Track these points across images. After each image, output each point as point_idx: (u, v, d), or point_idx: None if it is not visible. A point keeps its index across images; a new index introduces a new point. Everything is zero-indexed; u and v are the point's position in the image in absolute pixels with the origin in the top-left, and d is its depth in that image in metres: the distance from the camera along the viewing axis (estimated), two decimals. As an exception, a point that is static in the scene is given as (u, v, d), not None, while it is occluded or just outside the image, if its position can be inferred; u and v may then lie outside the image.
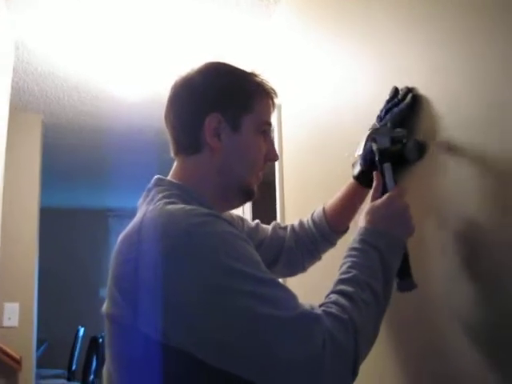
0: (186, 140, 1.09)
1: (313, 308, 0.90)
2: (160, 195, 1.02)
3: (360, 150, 1.27)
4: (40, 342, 4.80)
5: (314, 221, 1.42)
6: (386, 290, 0.99)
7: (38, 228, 3.86)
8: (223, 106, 1.08)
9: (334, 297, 0.93)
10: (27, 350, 3.54)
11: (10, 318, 3.53)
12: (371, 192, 1.19)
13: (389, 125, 1.25)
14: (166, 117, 1.14)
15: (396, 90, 1.29)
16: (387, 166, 1.19)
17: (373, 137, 1.24)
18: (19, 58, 2.92)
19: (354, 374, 0.88)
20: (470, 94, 1.07)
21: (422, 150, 1.19)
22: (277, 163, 2.31)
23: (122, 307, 0.94)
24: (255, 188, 1.13)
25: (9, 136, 2.65)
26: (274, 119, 2.35)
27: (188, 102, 1.10)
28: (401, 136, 1.22)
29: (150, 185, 1.09)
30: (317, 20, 2.00)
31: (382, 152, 1.21)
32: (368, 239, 1.03)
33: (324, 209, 1.41)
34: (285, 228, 1.45)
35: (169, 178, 1.11)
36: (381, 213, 1.08)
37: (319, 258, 1.45)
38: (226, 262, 0.88)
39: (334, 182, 1.67)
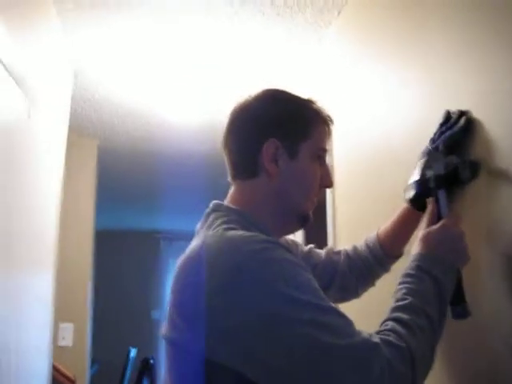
0: (244, 164, 1.11)
1: (371, 336, 0.89)
2: (219, 221, 1.03)
3: (416, 177, 1.26)
4: (92, 363, 4.88)
5: (367, 245, 1.41)
6: (441, 316, 0.99)
7: (93, 249, 3.96)
8: (281, 132, 1.09)
9: (390, 324, 0.93)
10: (81, 370, 3.61)
11: (64, 338, 3.61)
12: (425, 218, 1.20)
13: (441, 147, 1.25)
14: (224, 142, 1.16)
15: (448, 114, 1.28)
16: (442, 193, 1.20)
17: (429, 163, 1.24)
18: (77, 85, 3.02)
19: None
20: None
21: (475, 169, 1.18)
22: (328, 190, 2.30)
23: (183, 331, 0.95)
24: (311, 213, 1.14)
25: (66, 160, 2.74)
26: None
27: (247, 128, 1.12)
28: (455, 163, 1.21)
29: (208, 209, 1.11)
30: (367, 44, 2.01)
31: (437, 178, 1.21)
32: (423, 265, 1.03)
33: (377, 234, 1.41)
34: (338, 253, 1.45)
35: (226, 202, 1.13)
36: (436, 239, 1.08)
37: (373, 284, 1.44)
38: (286, 290, 0.89)
39: (386, 206, 1.65)
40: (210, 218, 1.07)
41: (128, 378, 6.24)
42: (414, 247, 1.10)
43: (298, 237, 3.10)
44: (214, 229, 1.01)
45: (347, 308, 1.83)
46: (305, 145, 1.10)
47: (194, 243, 1.02)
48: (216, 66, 2.85)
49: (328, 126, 1.17)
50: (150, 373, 5.64)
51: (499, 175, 1.13)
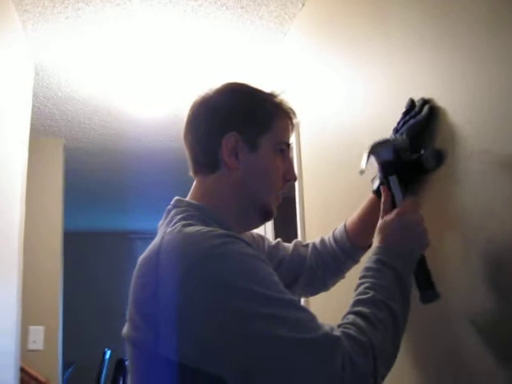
0: (204, 159, 1.10)
1: (332, 329, 0.88)
2: (178, 217, 1.02)
3: (363, 164, 1.23)
4: (67, 365, 4.82)
5: (335, 238, 1.39)
6: (405, 308, 0.99)
7: (62, 251, 3.89)
8: (241, 125, 1.08)
9: (351, 317, 0.93)
10: (53, 373, 3.56)
11: (35, 342, 3.55)
12: (381, 207, 1.18)
13: (405, 136, 1.24)
14: (185, 136, 1.14)
15: (412, 102, 1.27)
16: (393, 179, 1.18)
17: (374, 150, 1.22)
18: (39, 83, 2.96)
19: None
20: (487, 102, 1.06)
21: (439, 158, 1.18)
22: (297, 182, 2.29)
23: (143, 331, 0.93)
24: (274, 208, 1.13)
25: (31, 161, 2.68)
26: (292, 137, 2.33)
27: (206, 121, 1.10)
28: (402, 145, 1.21)
29: (169, 206, 1.10)
30: (330, 36, 2.00)
31: (385, 165, 1.20)
32: (383, 258, 1.03)
33: (345, 225, 1.39)
34: (306, 246, 1.43)
35: (188, 198, 1.11)
36: (392, 229, 1.08)
37: (342, 277, 1.42)
38: (245, 284, 0.88)
39: (354, 197, 1.64)
40: (171, 215, 1.05)
41: (104, 380, 6.18)
42: (374, 238, 1.10)
43: (268, 230, 3.10)
44: (173, 225, 0.99)
45: (316, 300, 1.83)
46: (266, 138, 1.09)
47: (154, 241, 1.01)
48: (182, 60, 2.81)
49: (290, 119, 1.15)
50: (125, 374, 5.59)
51: (463, 162, 1.13)
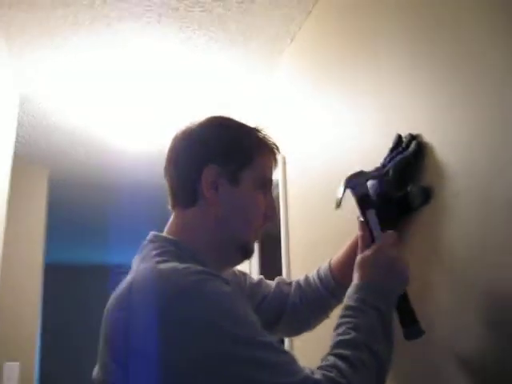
0: (183, 192, 1.07)
1: (312, 373, 0.85)
2: (153, 252, 0.98)
3: (339, 198, 1.21)
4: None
5: (319, 276, 1.35)
6: (388, 348, 0.97)
7: (42, 284, 3.79)
8: (222, 158, 1.06)
9: (331, 359, 0.90)
10: (27, 413, 3.42)
11: (9, 379, 3.42)
12: (358, 242, 1.17)
13: (391, 173, 1.22)
14: (166, 168, 1.12)
15: (399, 138, 1.26)
16: (370, 213, 1.16)
17: (349, 183, 1.20)
18: (25, 112, 2.93)
19: None
20: (475, 141, 1.05)
21: (426, 195, 1.16)
22: (282, 216, 2.26)
23: (113, 370, 0.89)
24: (253, 246, 1.11)
25: (14, 189, 2.64)
26: (278, 171, 2.30)
27: (186, 154, 1.09)
28: (377, 175, 1.21)
29: (145, 241, 1.06)
30: (318, 71, 1.99)
31: (361, 198, 1.18)
32: (364, 297, 1.00)
33: (330, 263, 1.35)
34: (289, 284, 1.39)
35: (164, 232, 1.08)
36: (372, 265, 1.06)
37: (327, 316, 1.37)
38: (222, 325, 0.84)
39: (341, 235, 1.60)
40: (145, 250, 1.01)
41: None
42: (353, 275, 1.08)
43: (253, 268, 3.04)
44: (147, 262, 0.96)
45: (301, 339, 1.77)
46: (247, 172, 1.06)
47: (127, 277, 0.97)
48: (169, 92, 2.80)
49: (273, 154, 1.13)
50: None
51: (450, 200, 1.10)
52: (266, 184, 1.11)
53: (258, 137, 1.11)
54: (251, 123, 1.17)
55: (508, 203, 0.94)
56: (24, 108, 2.87)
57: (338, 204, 1.20)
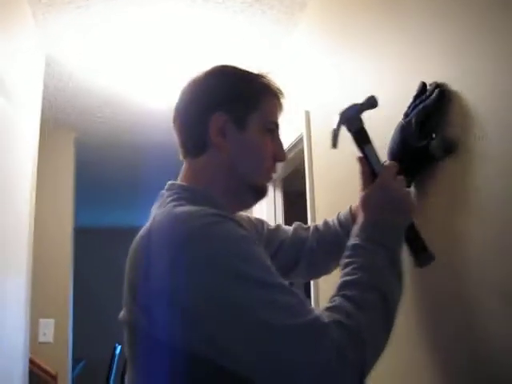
0: (193, 141, 1.11)
1: (321, 315, 0.87)
2: (169, 199, 1.02)
3: (334, 131, 1.18)
4: (77, 360, 4.82)
5: (339, 220, 1.37)
6: (397, 287, 0.97)
7: (73, 245, 3.89)
8: (228, 105, 1.08)
9: (338, 301, 0.91)
10: (62, 367, 3.56)
11: (45, 334, 3.55)
12: (360, 179, 1.16)
13: (413, 121, 1.20)
14: (174, 120, 1.16)
15: (424, 86, 1.24)
16: (368, 148, 1.14)
17: (343, 119, 1.17)
18: (50, 75, 2.95)
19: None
20: (501, 89, 1.02)
21: (449, 146, 1.14)
22: (307, 170, 2.27)
23: (136, 313, 0.93)
24: (265, 187, 1.14)
25: (41, 154, 2.67)
26: (302, 126, 2.31)
27: (193, 103, 1.12)
28: (369, 104, 1.18)
29: (162, 190, 1.10)
30: (342, 23, 1.97)
31: (358, 134, 1.16)
32: (370, 235, 1.01)
33: (351, 208, 1.36)
34: (307, 229, 1.41)
35: (179, 181, 1.11)
36: (376, 201, 1.06)
37: None
38: (235, 265, 0.87)
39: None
40: (163, 198, 1.05)
41: (114, 375, 6.18)
42: (358, 213, 1.08)
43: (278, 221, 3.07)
44: (164, 207, 0.99)
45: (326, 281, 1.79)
46: (253, 116, 1.09)
47: (146, 224, 1.01)
48: (192, 50, 2.79)
49: (278, 99, 1.15)
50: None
51: (476, 145, 1.09)
52: (273, 127, 1.13)
53: (262, 82, 1.13)
54: (256, 70, 1.17)
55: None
56: (49, 70, 2.89)
57: (334, 143, 1.18)
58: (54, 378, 3.31)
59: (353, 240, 1.02)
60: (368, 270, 0.95)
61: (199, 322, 0.86)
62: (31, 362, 2.75)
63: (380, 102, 1.59)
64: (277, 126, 1.14)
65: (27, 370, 2.44)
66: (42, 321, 3.53)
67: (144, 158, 4.39)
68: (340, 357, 0.82)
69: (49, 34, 2.56)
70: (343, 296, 0.91)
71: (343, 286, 0.94)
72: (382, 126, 1.54)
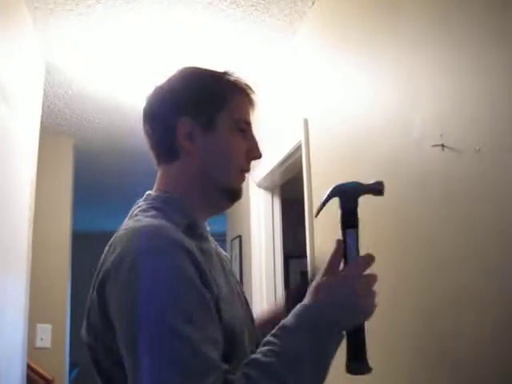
0: (163, 148, 1.09)
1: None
2: (138, 210, 1.04)
3: (322, 200, 1.07)
4: (74, 365, 4.81)
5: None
6: (313, 381, 0.88)
7: (70, 250, 3.89)
8: (194, 108, 1.06)
9: (238, 376, 0.85)
10: (59, 372, 3.56)
11: (42, 339, 3.55)
12: (327, 261, 0.97)
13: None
14: (143, 127, 1.13)
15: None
16: (351, 233, 0.99)
17: (339, 192, 1.04)
18: (50, 81, 2.97)
19: None
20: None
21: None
22: (305, 177, 2.28)
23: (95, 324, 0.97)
24: (240, 187, 1.11)
25: (40, 160, 2.68)
26: (301, 133, 2.33)
27: (159, 110, 1.10)
28: (373, 190, 1.04)
29: (139, 200, 1.10)
30: (342, 33, 1.99)
31: (347, 213, 1.01)
32: (307, 319, 0.90)
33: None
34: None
35: (153, 190, 1.11)
36: (328, 290, 0.92)
37: None
38: (162, 305, 0.85)
39: (364, 196, 1.63)
40: (134, 208, 1.06)
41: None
42: (305, 297, 0.95)
43: (276, 229, 3.08)
44: (132, 218, 1.01)
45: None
46: (221, 115, 1.06)
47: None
48: (191, 57, 2.81)
49: (247, 95, 1.11)
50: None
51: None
52: (244, 124, 1.10)
53: (228, 80, 1.11)
54: (223, 68, 1.14)
55: None
56: (49, 77, 2.91)
57: (318, 212, 1.08)
58: (51, 383, 3.31)
59: (286, 319, 0.92)
60: (283, 357, 0.86)
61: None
62: (28, 366, 2.75)
63: (378, 108, 1.62)
64: (248, 123, 1.11)
65: (25, 374, 2.44)
66: (39, 326, 3.53)
67: (142, 164, 4.38)
68: None
69: (49, 40, 2.58)
70: (244, 374, 0.85)
71: (251, 364, 0.86)
72: (385, 140, 1.56)
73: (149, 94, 1.12)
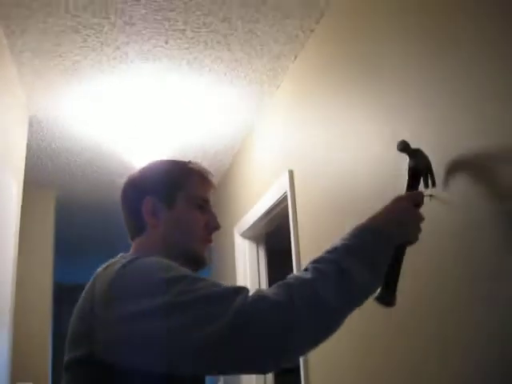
0: (134, 223, 1.27)
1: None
2: (123, 260, 1.12)
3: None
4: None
5: None
6: (368, 271, 0.98)
7: (52, 304, 3.82)
8: (156, 189, 1.25)
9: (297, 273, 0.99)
10: (40, 434, 3.43)
11: (22, 399, 3.43)
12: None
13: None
14: (121, 208, 1.31)
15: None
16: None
17: (415, 156, 1.24)
18: (33, 135, 2.98)
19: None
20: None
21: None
22: (292, 229, 2.29)
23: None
24: (203, 256, 1.26)
25: (22, 212, 2.66)
26: (286, 185, 2.35)
27: (129, 194, 1.30)
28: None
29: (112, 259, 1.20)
30: (324, 85, 2.04)
31: (414, 172, 1.23)
32: (365, 236, 1.04)
33: None
34: None
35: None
36: (384, 213, 1.11)
37: None
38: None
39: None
40: (110, 262, 1.14)
41: None
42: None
43: (262, 282, 3.06)
44: (115, 265, 1.09)
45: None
46: (180, 194, 1.25)
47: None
48: (177, 110, 2.85)
49: (203, 177, 1.30)
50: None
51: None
52: (202, 201, 1.27)
53: (187, 166, 1.30)
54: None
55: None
56: (32, 130, 2.92)
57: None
58: None
59: (343, 238, 1.06)
60: (343, 250, 1.01)
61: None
62: (8, 429, 2.64)
63: (362, 159, 1.65)
64: (205, 200, 1.28)
65: None
66: (19, 384, 3.42)
67: (122, 216, 4.38)
68: (258, 299, 0.91)
69: (34, 95, 2.60)
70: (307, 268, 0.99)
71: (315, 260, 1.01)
72: (366, 188, 1.58)
73: (123, 183, 1.32)
